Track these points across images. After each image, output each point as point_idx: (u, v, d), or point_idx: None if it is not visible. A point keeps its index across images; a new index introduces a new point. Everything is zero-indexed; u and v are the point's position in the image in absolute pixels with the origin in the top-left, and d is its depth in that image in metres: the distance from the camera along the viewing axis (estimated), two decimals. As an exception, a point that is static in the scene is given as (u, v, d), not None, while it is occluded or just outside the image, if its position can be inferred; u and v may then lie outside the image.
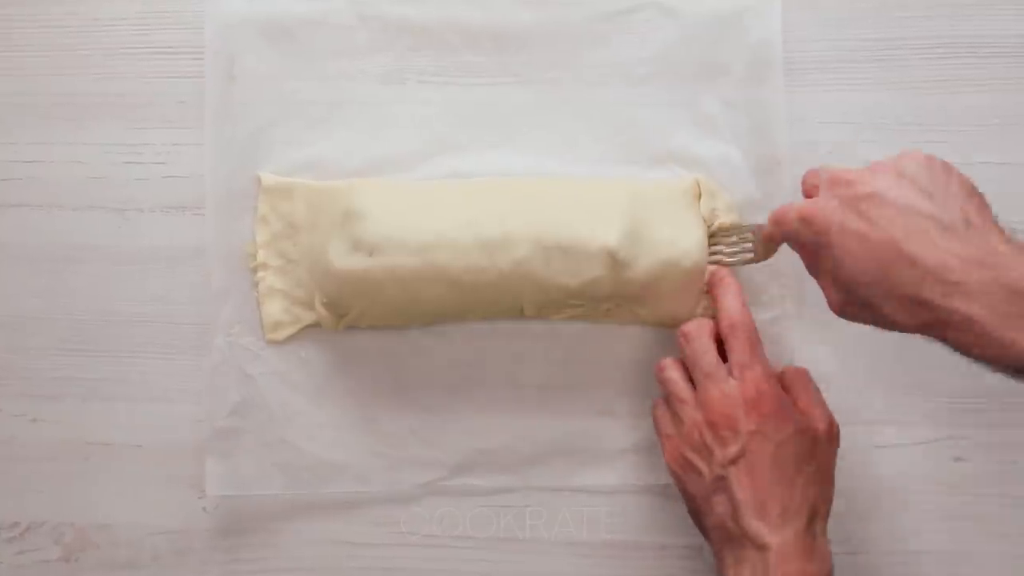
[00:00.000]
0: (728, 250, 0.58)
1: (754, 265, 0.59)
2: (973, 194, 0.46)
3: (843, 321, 0.60)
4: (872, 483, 0.60)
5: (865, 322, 0.49)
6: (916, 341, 0.60)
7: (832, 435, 0.53)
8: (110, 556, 0.62)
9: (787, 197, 0.60)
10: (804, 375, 0.55)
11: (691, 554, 0.61)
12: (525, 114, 0.62)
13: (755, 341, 0.54)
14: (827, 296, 0.50)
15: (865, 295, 0.47)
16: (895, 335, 0.60)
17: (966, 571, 0.61)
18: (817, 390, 0.55)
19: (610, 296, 0.58)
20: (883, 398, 0.61)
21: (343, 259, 0.57)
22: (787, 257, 0.60)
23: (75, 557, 0.62)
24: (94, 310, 0.63)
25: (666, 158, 0.61)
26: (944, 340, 0.45)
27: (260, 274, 0.61)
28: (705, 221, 0.58)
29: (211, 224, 0.61)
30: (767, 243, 0.55)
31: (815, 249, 0.49)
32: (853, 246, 0.46)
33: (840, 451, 0.54)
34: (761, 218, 0.60)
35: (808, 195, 0.52)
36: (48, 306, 0.63)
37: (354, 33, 0.62)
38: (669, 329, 0.60)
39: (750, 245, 0.57)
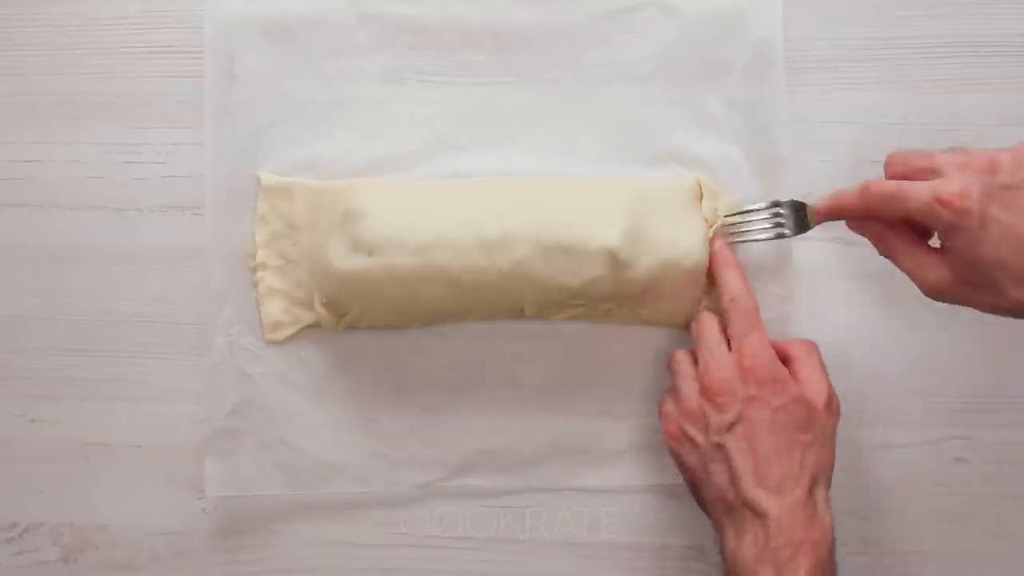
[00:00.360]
0: (760, 226, 0.57)
1: (755, 267, 0.59)
2: None
3: (843, 321, 0.60)
4: (872, 483, 0.60)
5: (970, 302, 0.50)
6: (917, 342, 0.61)
7: (832, 407, 0.53)
8: (109, 557, 0.62)
9: (788, 196, 0.60)
10: (809, 348, 0.55)
11: (691, 554, 0.61)
12: (525, 114, 0.61)
13: (753, 313, 0.54)
14: (928, 277, 0.51)
15: (993, 278, 0.48)
16: (895, 334, 0.61)
17: (966, 571, 0.60)
18: (820, 363, 0.55)
19: (611, 296, 0.57)
20: (883, 398, 0.61)
21: (343, 259, 0.57)
22: (787, 258, 0.60)
23: (74, 558, 0.62)
24: (93, 310, 0.63)
25: (667, 157, 0.61)
26: None
27: (260, 274, 0.61)
28: (706, 221, 0.58)
29: (210, 224, 0.61)
30: (827, 218, 0.55)
31: (948, 233, 0.49)
32: (995, 233, 0.47)
33: (840, 451, 0.54)
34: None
35: (908, 176, 0.51)
36: (47, 306, 0.63)
37: (354, 32, 0.62)
38: (670, 329, 0.60)
39: (783, 220, 0.57)
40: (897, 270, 0.61)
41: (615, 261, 0.56)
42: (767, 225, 0.57)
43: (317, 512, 0.61)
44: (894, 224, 0.52)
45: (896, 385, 0.61)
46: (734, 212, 0.59)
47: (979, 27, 0.61)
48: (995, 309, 0.49)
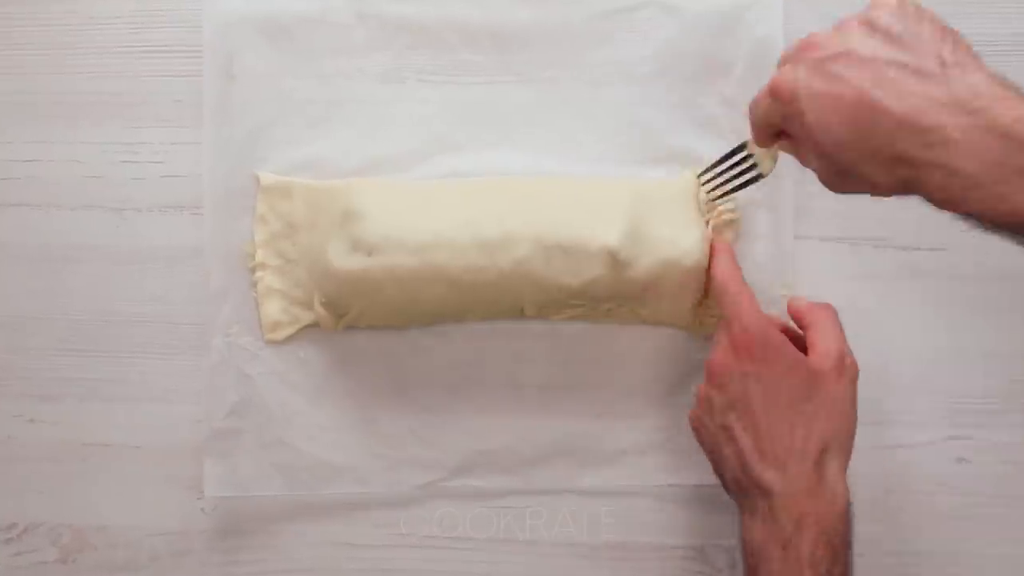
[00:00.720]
0: (731, 175, 0.56)
1: (756, 267, 0.59)
2: (947, 33, 0.42)
3: (843, 320, 0.60)
4: (873, 483, 0.60)
5: (854, 191, 0.46)
6: (917, 342, 0.61)
7: (841, 369, 0.51)
8: (108, 558, 0.62)
9: (788, 195, 0.60)
10: (824, 311, 0.53)
11: (691, 554, 0.61)
12: (524, 113, 0.61)
13: (738, 291, 0.52)
14: (816, 173, 0.47)
15: (843, 159, 0.43)
16: (895, 334, 0.61)
17: (966, 571, 0.60)
18: (833, 325, 0.52)
19: (611, 296, 0.57)
20: (884, 398, 0.61)
21: (342, 259, 0.57)
22: (787, 258, 0.60)
23: (73, 559, 0.62)
24: (92, 310, 0.63)
25: (667, 157, 0.61)
26: (927, 197, 0.42)
27: (259, 274, 0.61)
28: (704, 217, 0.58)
29: (209, 224, 0.61)
30: (760, 144, 0.52)
31: (789, 121, 0.46)
32: (825, 109, 0.43)
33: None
34: (761, 214, 0.60)
35: None
36: (46, 306, 0.63)
37: (352, 31, 0.61)
38: (670, 329, 0.60)
39: (752, 163, 0.55)
40: (898, 270, 0.61)
41: (615, 261, 0.55)
42: (738, 174, 0.56)
43: (316, 513, 0.61)
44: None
45: (896, 385, 0.61)
46: (703, 171, 0.58)
47: (979, 27, 0.60)
48: (874, 191, 0.44)
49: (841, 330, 0.53)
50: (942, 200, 0.41)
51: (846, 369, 0.51)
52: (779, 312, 0.59)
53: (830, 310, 0.54)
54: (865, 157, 0.43)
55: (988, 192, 0.39)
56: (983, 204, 0.40)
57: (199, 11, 0.61)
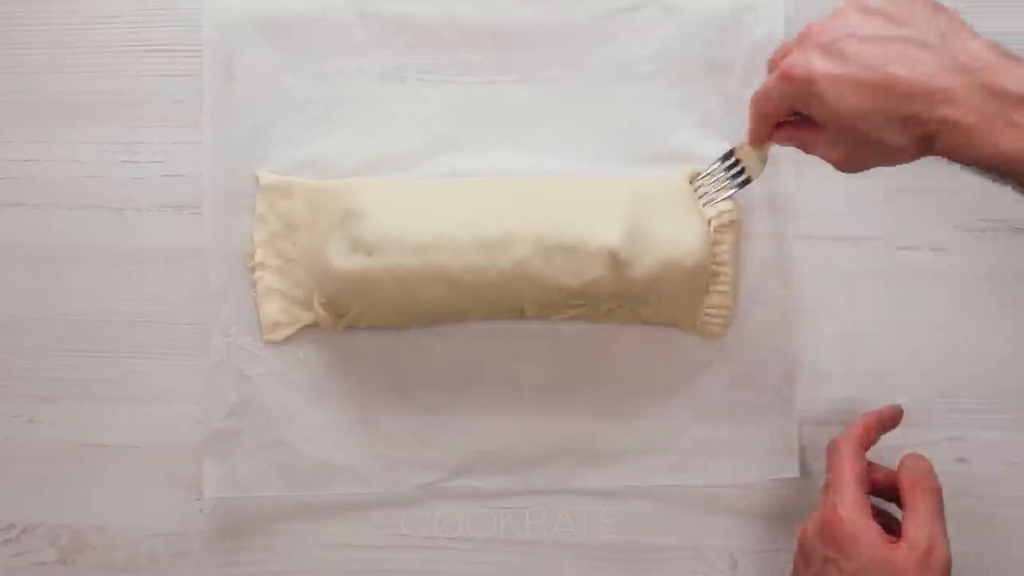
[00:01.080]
0: (720, 184, 0.56)
1: (756, 267, 0.59)
2: (939, 9, 0.47)
3: (844, 320, 0.60)
4: (874, 484, 0.60)
5: (869, 163, 0.49)
6: (917, 342, 0.61)
7: (926, 563, 0.49)
8: (107, 558, 0.62)
9: (787, 194, 0.60)
10: (925, 495, 0.52)
11: (691, 555, 0.61)
12: (525, 112, 0.61)
13: (847, 464, 0.52)
14: (829, 155, 0.49)
15: (863, 129, 0.47)
16: (895, 334, 0.61)
17: (966, 571, 0.60)
18: (932, 512, 0.51)
19: (612, 296, 0.57)
20: (884, 398, 0.60)
21: (342, 259, 0.57)
22: (788, 258, 0.60)
23: (72, 559, 0.62)
24: (91, 310, 0.62)
25: (667, 156, 0.61)
26: (937, 150, 0.46)
27: (258, 274, 0.61)
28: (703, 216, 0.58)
29: (209, 223, 0.61)
30: (755, 144, 0.53)
31: (805, 104, 0.48)
32: (843, 87, 0.46)
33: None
34: (761, 214, 0.60)
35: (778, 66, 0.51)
36: (45, 306, 0.63)
37: (352, 30, 0.61)
38: (670, 329, 0.60)
39: (740, 168, 0.56)
40: (897, 270, 0.61)
41: (616, 261, 0.55)
42: (728, 179, 0.56)
43: (316, 513, 0.61)
44: (800, 121, 0.51)
45: (897, 385, 0.61)
46: (694, 178, 0.58)
47: (981, 25, 0.60)
48: (891, 156, 0.47)
49: (940, 518, 0.51)
50: (948, 150, 0.45)
51: (932, 564, 0.49)
52: (777, 312, 0.59)
53: (934, 494, 0.52)
54: (882, 123, 0.46)
55: (984, 140, 0.44)
56: (980, 151, 0.44)
57: (199, 10, 0.61)
